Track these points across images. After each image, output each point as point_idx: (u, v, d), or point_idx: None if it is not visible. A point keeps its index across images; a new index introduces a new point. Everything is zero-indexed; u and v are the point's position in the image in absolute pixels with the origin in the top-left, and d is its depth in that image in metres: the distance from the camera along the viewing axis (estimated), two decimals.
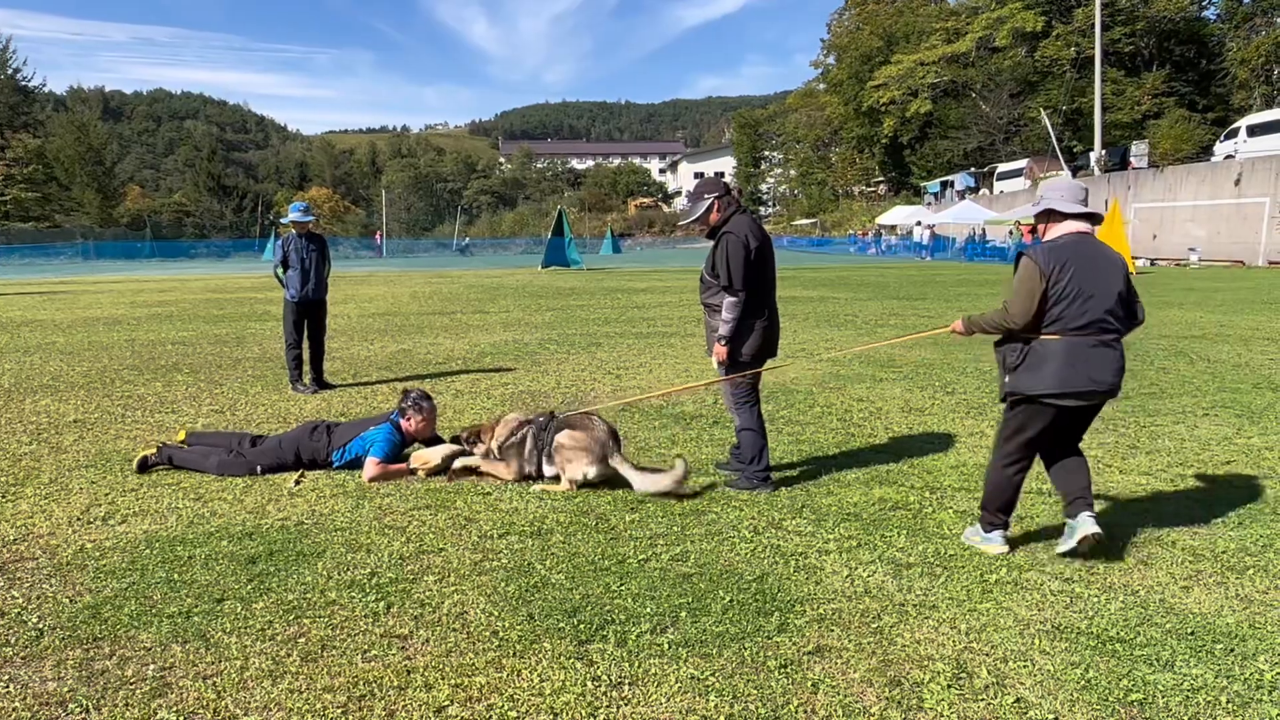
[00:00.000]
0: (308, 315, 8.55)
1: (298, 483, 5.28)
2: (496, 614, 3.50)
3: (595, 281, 26.53)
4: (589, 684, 2.97)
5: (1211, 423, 6.88)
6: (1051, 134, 47.55)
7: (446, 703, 2.85)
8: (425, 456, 5.47)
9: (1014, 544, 4.23)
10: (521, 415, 5.57)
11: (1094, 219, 3.97)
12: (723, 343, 4.95)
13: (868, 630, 3.37)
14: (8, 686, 2.96)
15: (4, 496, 5.06)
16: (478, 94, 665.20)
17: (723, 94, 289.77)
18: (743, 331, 4.96)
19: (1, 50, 66.51)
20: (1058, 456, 4.17)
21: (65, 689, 2.93)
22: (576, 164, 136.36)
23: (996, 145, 57.03)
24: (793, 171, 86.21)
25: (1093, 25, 44.09)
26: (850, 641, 3.27)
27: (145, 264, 49.77)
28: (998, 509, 4.17)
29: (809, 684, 2.98)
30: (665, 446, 6.15)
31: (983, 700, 2.88)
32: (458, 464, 5.42)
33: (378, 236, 68.73)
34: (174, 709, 2.82)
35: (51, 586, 3.78)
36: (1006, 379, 4.01)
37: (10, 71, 66.75)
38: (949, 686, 2.96)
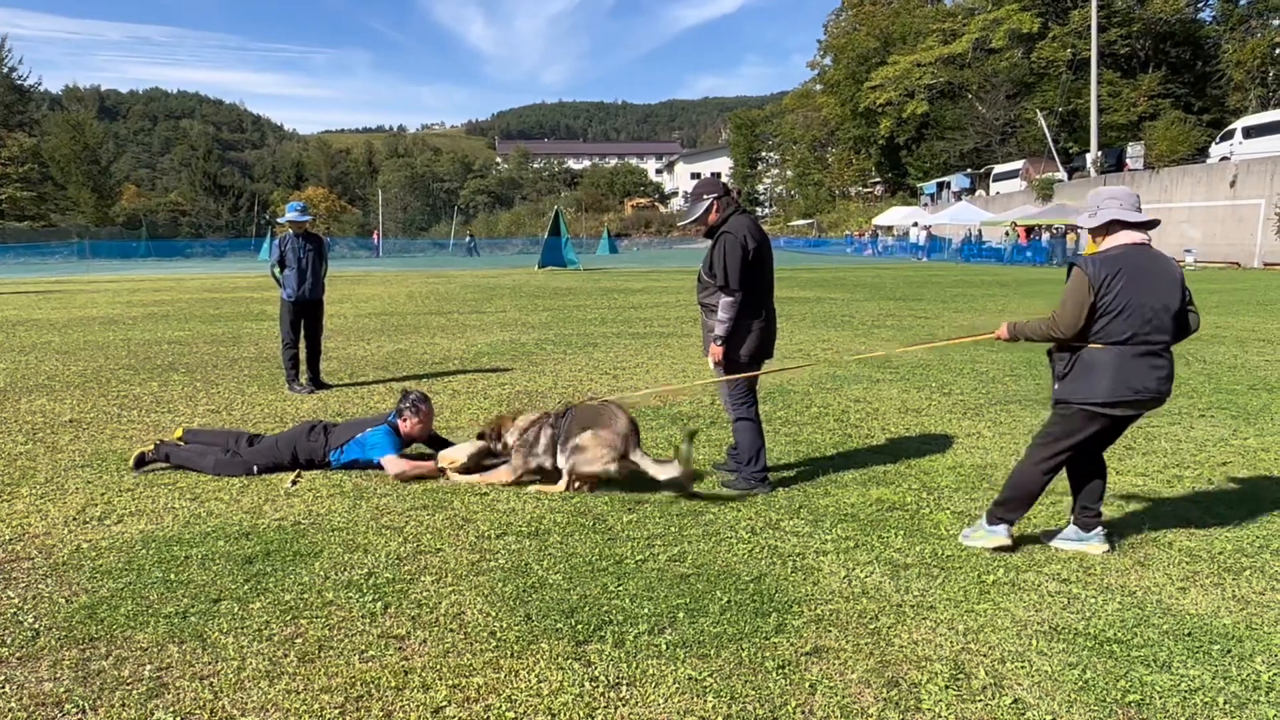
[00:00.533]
0: (304, 315, 8.54)
1: (294, 483, 5.27)
2: (494, 614, 3.50)
3: (592, 282, 26.52)
4: (586, 684, 2.96)
5: (1208, 424, 6.90)
6: (1048, 135, 47.68)
7: (444, 703, 2.85)
8: (452, 456, 5.43)
9: (1013, 545, 4.23)
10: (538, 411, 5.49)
11: (1150, 226, 3.92)
12: (718, 343, 4.94)
13: (865, 631, 3.37)
14: (4, 687, 2.94)
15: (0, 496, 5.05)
16: (474, 94, 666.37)
17: (720, 94, 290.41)
18: (739, 332, 4.95)
19: None
20: (1084, 460, 4.17)
21: (61, 689, 2.92)
22: (573, 164, 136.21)
23: (993, 146, 57.13)
24: (789, 172, 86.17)
25: (1089, 27, 44.26)
26: (848, 642, 3.27)
27: (141, 263, 49.63)
28: (1016, 507, 4.15)
29: (807, 685, 2.98)
30: (662, 447, 6.15)
31: (980, 701, 2.89)
32: (484, 478, 5.33)
33: (375, 236, 68.62)
34: (171, 709, 2.81)
35: (47, 587, 3.76)
36: (1056, 386, 4.04)
37: (6, 70, 66.51)
38: (947, 687, 2.96)
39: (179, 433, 5.94)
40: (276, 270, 8.56)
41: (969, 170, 57.08)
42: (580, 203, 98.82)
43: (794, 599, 3.65)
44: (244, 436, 5.78)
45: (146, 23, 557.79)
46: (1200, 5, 53.87)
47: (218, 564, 4.01)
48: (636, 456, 5.02)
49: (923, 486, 5.23)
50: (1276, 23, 47.45)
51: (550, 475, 5.26)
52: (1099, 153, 43.81)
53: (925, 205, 58.73)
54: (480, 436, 5.52)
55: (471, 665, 3.10)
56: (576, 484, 5.12)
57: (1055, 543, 4.24)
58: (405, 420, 5.60)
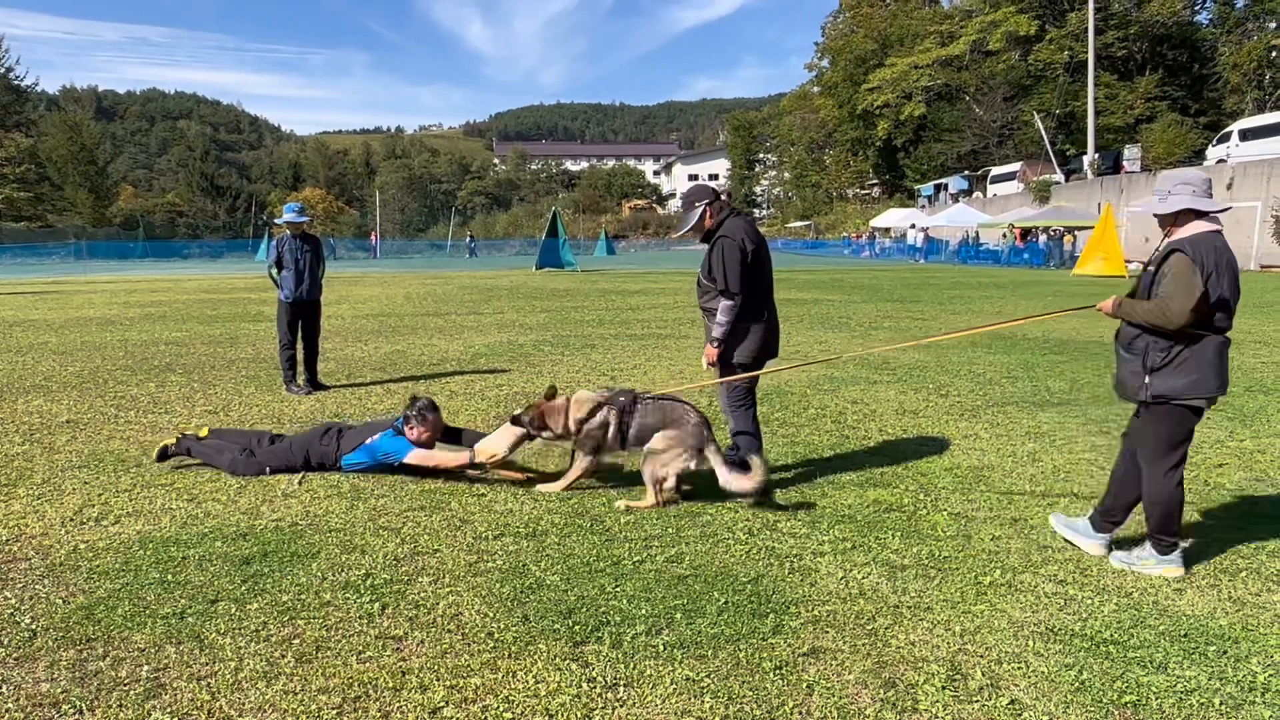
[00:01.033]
0: (302, 316, 8.53)
1: (300, 483, 5.26)
2: (491, 615, 3.50)
3: (589, 283, 26.52)
4: (584, 685, 2.97)
5: (1204, 425, 6.89)
6: (1045, 137, 47.77)
7: (441, 704, 2.85)
8: (491, 449, 5.18)
9: (1011, 546, 4.24)
10: (595, 394, 5.16)
11: (1222, 212, 3.82)
12: (714, 344, 4.95)
13: (862, 632, 3.38)
14: (1, 688, 2.94)
15: None
16: (472, 95, 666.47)
17: (717, 96, 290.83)
18: (738, 334, 4.96)
19: None
20: (1127, 459, 4.08)
21: (59, 690, 2.92)
22: (571, 165, 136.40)
23: (990, 148, 57.21)
24: (787, 174, 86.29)
25: (1086, 29, 44.35)
26: (845, 643, 3.28)
27: (138, 264, 49.54)
28: (1169, 526, 3.87)
29: (804, 685, 2.98)
30: None
31: (977, 702, 2.89)
32: (548, 487, 5.13)
33: (373, 237, 68.58)
34: (168, 710, 2.81)
35: (45, 587, 3.76)
36: (1149, 380, 3.76)
37: (3, 70, 66.40)
38: (944, 688, 2.97)
39: (205, 431, 5.88)
40: (274, 271, 8.55)
41: (966, 172, 57.16)
42: (578, 204, 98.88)
43: (791, 600, 3.66)
44: (266, 436, 5.78)
45: (144, 23, 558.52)
46: (1197, 8, 54.11)
47: (215, 565, 4.01)
48: (710, 453, 4.83)
49: (920, 488, 5.24)
50: (1273, 25, 47.65)
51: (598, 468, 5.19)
52: (1096, 155, 43.89)
53: (922, 207, 58.81)
54: (515, 421, 5.20)
55: (469, 666, 3.10)
56: (664, 498, 4.82)
57: (1055, 521, 4.29)
58: (412, 429, 5.39)
